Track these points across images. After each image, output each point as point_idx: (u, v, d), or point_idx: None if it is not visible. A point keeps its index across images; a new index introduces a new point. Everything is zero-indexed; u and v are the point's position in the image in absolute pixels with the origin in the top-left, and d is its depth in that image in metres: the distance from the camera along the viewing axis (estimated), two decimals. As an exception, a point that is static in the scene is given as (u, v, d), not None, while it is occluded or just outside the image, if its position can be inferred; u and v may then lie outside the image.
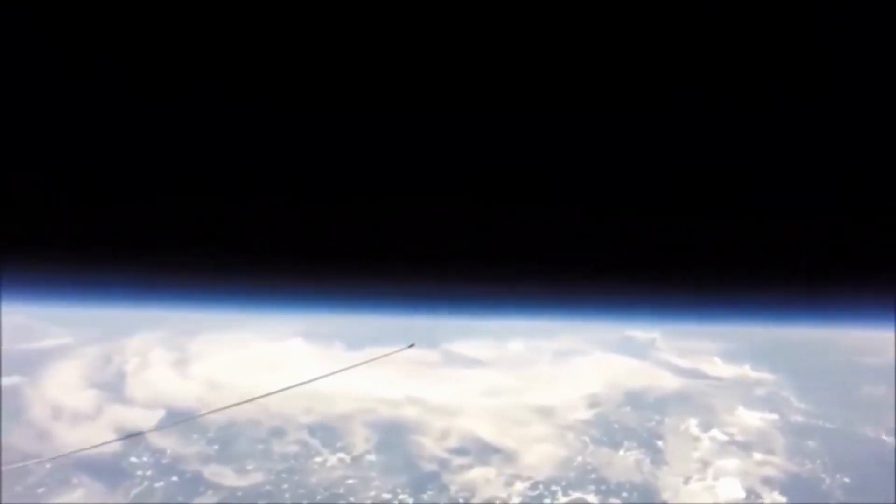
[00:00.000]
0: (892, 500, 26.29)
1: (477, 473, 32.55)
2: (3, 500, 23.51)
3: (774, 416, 34.63)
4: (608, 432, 34.41)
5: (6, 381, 27.83)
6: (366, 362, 7.98)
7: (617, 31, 2.02)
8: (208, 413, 30.07)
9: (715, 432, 34.36)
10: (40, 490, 28.56)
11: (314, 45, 2.11)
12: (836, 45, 2.03)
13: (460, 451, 33.22)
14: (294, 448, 32.38)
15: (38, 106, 2.41)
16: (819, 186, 2.67)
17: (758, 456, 32.67)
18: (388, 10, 1.98)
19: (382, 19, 2.00)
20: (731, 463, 32.67)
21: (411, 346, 7.01)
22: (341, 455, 32.43)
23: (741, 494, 30.61)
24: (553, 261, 3.42)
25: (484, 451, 33.34)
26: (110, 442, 27.25)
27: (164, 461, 30.76)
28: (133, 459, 30.69)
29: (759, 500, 29.68)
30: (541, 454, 33.48)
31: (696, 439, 34.12)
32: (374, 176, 2.80)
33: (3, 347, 31.35)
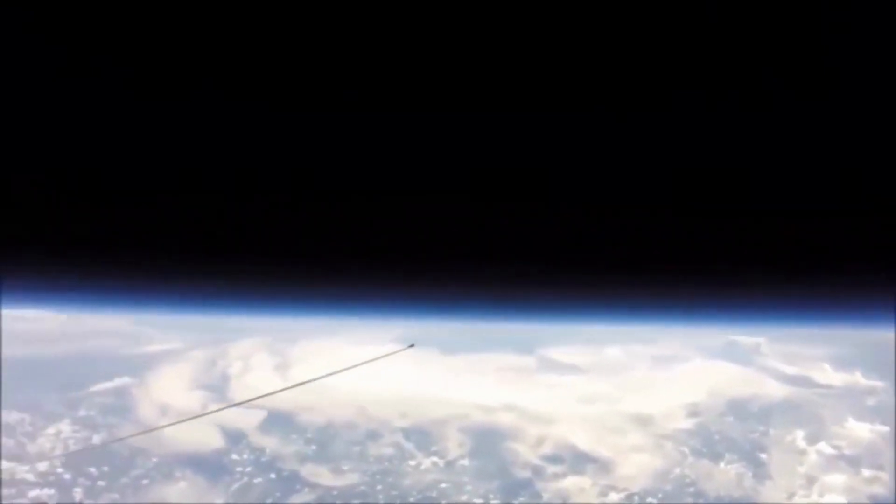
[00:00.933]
0: (893, 501, 26.26)
1: (571, 482, 32.15)
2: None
3: (886, 429, 32.51)
4: (708, 443, 33.22)
5: (117, 381, 28.58)
6: (366, 362, 8.14)
7: (616, 31, 1.99)
8: (207, 413, 31.19)
9: (822, 445, 32.74)
10: (145, 482, 29.94)
11: (314, 44, 2.08)
12: (835, 44, 1.99)
13: (554, 459, 32.82)
14: (389, 451, 32.67)
15: (45, 106, 2.42)
16: (819, 185, 2.65)
17: (867, 472, 31.26)
18: (387, 10, 1.95)
19: (382, 19, 1.98)
20: (839, 479, 31.30)
21: (411, 346, 7.22)
22: (435, 459, 32.53)
23: None
24: (581, 261, 3.40)
25: (579, 460, 32.80)
26: (117, 440, 27.69)
27: (264, 459, 31.53)
28: (234, 456, 31.62)
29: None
30: (637, 465, 32.82)
31: (802, 453, 32.64)
32: (404, 176, 2.78)
33: (114, 352, 32.50)
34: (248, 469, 31.32)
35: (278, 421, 33.09)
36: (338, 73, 2.19)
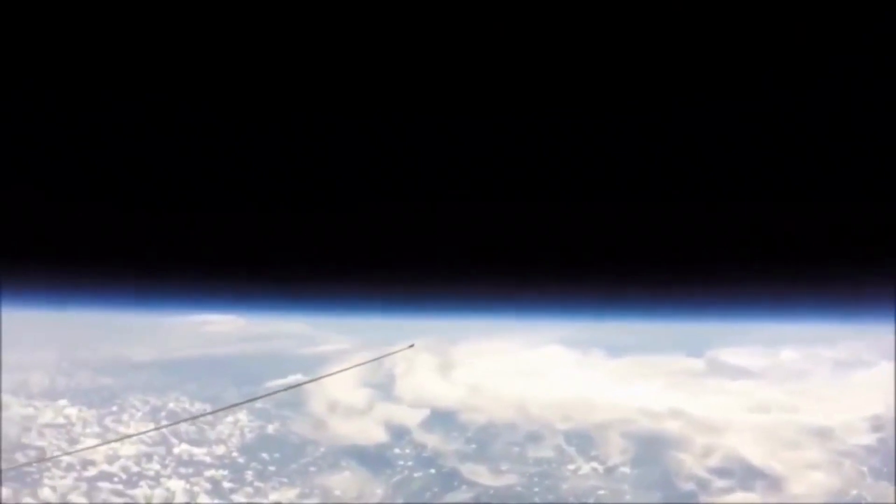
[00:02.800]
0: (893, 501, 25.46)
1: (738, 498, 30.58)
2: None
3: None
4: (890, 462, 30.39)
5: (290, 379, 29.53)
6: (366, 362, 9.43)
7: (615, 31, 2.01)
8: (206, 414, 31.75)
9: None
10: (312, 469, 31.23)
11: (317, 49, 2.10)
12: (834, 41, 2.00)
13: (722, 472, 31.19)
14: (548, 453, 32.22)
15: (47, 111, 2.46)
16: (818, 182, 2.66)
17: None
18: (387, 13, 1.98)
19: (382, 23, 2.01)
20: None
21: (411, 346, 7.16)
22: (595, 465, 31.78)
23: None
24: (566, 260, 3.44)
25: (748, 474, 31.08)
26: (93, 447, 28.65)
27: (425, 455, 32.06)
28: (396, 451, 32.36)
29: None
30: (811, 483, 30.66)
31: None
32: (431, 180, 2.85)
33: (289, 352, 34.57)
34: (409, 464, 31.91)
35: (441, 419, 33.44)
36: (340, 79, 2.22)
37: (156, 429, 31.75)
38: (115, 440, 31.82)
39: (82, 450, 30.18)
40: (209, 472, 29.98)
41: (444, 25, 2.03)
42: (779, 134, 2.44)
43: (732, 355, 35.90)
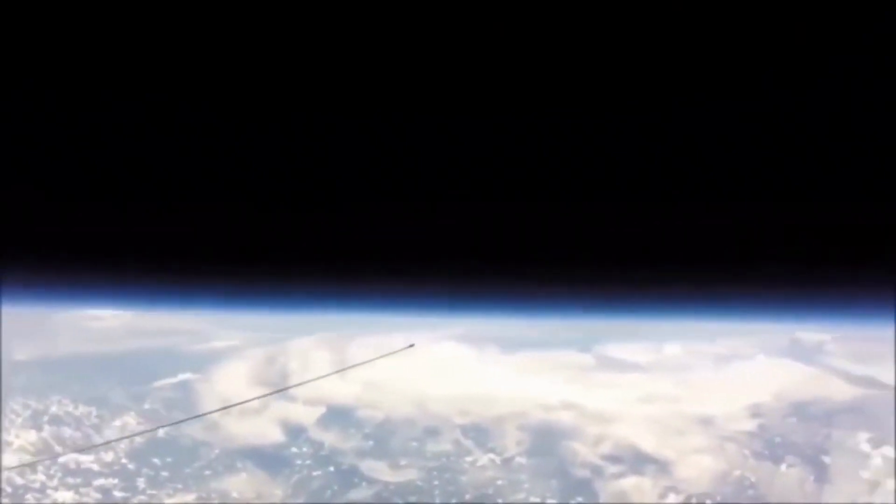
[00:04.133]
0: (893, 501, 25.87)
1: (630, 483, 32.39)
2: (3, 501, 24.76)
3: None
4: (770, 445, 33.32)
5: (180, 377, 29.18)
6: (366, 362, 9.20)
7: (615, 31, 2.01)
8: (179, 422, 31.91)
9: (887, 449, 32.40)
10: (207, 472, 30.83)
11: (316, 48, 2.12)
12: (833, 39, 1.99)
13: (614, 459, 32.99)
14: (447, 447, 33.01)
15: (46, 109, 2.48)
16: (818, 182, 2.69)
17: None
18: (387, 14, 1.99)
19: (382, 23, 2.02)
20: None
21: (411, 346, 7.10)
22: (492, 456, 32.79)
23: None
24: (563, 259, 3.50)
25: (638, 460, 33.01)
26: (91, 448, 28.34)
27: (323, 453, 32.20)
28: (294, 450, 32.35)
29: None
30: (697, 466, 32.81)
31: (867, 457, 32.50)
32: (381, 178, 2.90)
33: (177, 349, 33.46)
34: (308, 462, 31.99)
35: (337, 416, 33.69)
36: (338, 77, 2.22)
37: (157, 428, 30.81)
38: (114, 440, 30.66)
39: (79, 451, 29.04)
40: (98, 482, 29.30)
41: (443, 25, 2.02)
42: (779, 134, 2.43)
43: (620, 350, 37.79)
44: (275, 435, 32.41)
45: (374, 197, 3.02)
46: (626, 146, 2.56)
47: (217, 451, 30.96)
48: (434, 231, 3.29)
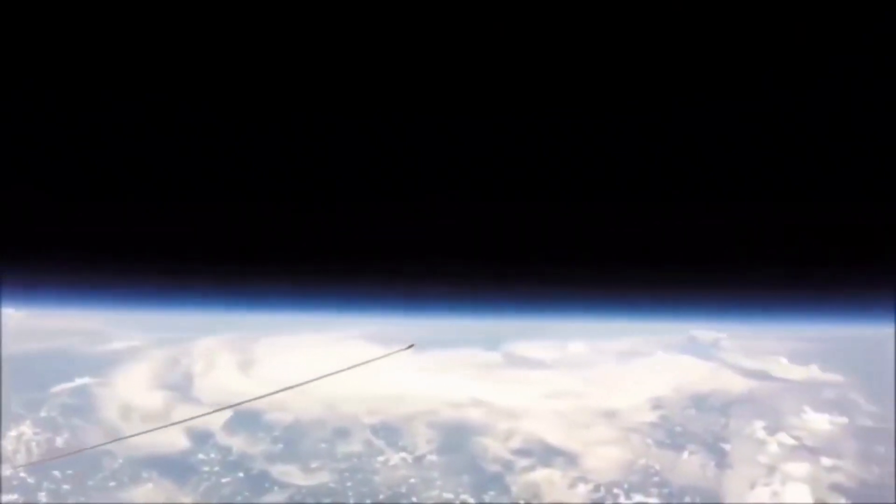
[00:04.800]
0: (893, 501, 26.69)
1: (540, 475, 33.15)
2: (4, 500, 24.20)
3: (844, 420, 34.38)
4: (672, 435, 34.67)
5: (78, 381, 28.62)
6: (366, 363, 8.17)
7: (615, 31, 2.02)
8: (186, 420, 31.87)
9: (782, 436, 34.31)
10: (111, 484, 30.08)
11: (316, 48, 2.12)
12: (833, 40, 2.00)
13: (524, 453, 33.81)
14: (358, 447, 33.36)
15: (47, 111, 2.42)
16: (818, 182, 2.67)
17: (826, 461, 32.75)
18: (388, 15, 1.99)
19: (383, 23, 2.02)
20: (799, 468, 32.71)
21: (411, 346, 7.20)
22: (404, 455, 33.38)
23: (809, 501, 30.85)
24: (554, 259, 3.43)
25: (547, 454, 33.89)
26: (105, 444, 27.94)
27: (231, 458, 31.98)
28: (201, 456, 32.00)
29: (827, 507, 28.18)
30: (604, 457, 33.97)
31: (763, 443, 34.18)
32: (392, 177, 2.83)
33: (73, 351, 33.03)
34: (216, 469, 31.70)
35: (245, 420, 33.46)
36: (338, 78, 2.19)
37: (158, 427, 29.26)
38: (115, 440, 29.03)
39: (77, 452, 27.40)
40: (6, 498, 28.14)
41: (443, 26, 2.00)
42: (779, 134, 2.37)
43: (526, 349, 39.04)
44: (180, 442, 31.92)
45: (371, 197, 2.89)
46: (627, 146, 2.46)
47: (121, 460, 30.25)
48: (431, 230, 3.18)
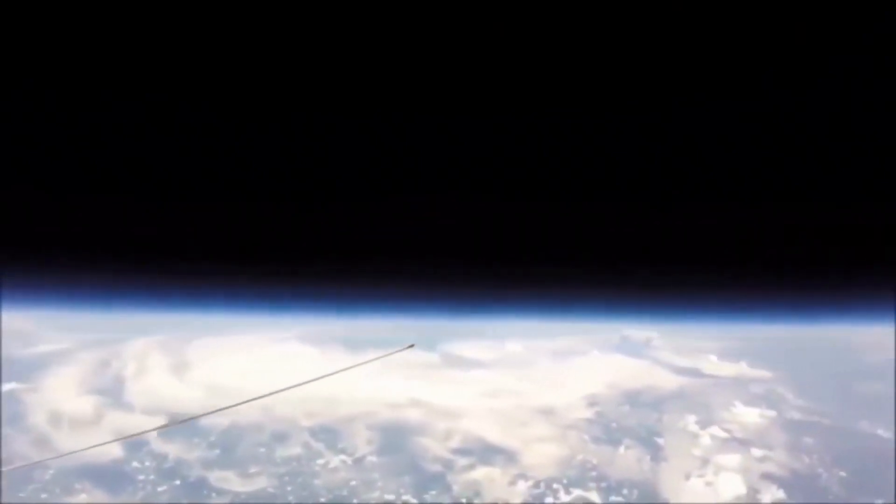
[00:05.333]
0: (893, 501, 27.13)
1: (480, 473, 33.50)
2: (3, 501, 23.76)
3: (772, 413, 35.82)
4: (608, 431, 35.55)
5: (5, 387, 28.09)
6: (366, 363, 8.01)
7: (615, 31, 2.06)
8: (203, 415, 31.29)
9: (714, 429, 35.51)
10: (43, 496, 29.19)
11: (316, 48, 2.15)
12: (834, 42, 2.04)
13: (463, 452, 34.15)
14: (297, 451, 33.22)
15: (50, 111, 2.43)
16: (818, 182, 2.68)
17: (757, 452, 33.96)
18: (388, 14, 2.02)
19: (383, 22, 2.05)
20: (731, 459, 33.84)
21: (411, 346, 7.11)
22: (343, 457, 33.33)
23: (741, 490, 31.82)
24: (547, 260, 3.35)
25: (487, 452, 34.32)
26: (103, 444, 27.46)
27: (167, 466, 31.46)
28: (135, 464, 31.37)
29: (759, 496, 30.90)
30: (542, 453, 34.59)
31: (696, 436, 35.25)
32: (369, 178, 2.80)
33: (4, 353, 31.59)
34: (151, 477, 31.12)
35: (179, 426, 33.57)
36: (340, 77, 2.16)
37: (160, 428, 27.75)
38: (116, 440, 27.97)
39: (79, 451, 25.91)
40: None
41: (444, 26, 2.01)
42: (779, 134, 2.36)
43: (463, 349, 39.92)
44: (113, 450, 31.20)
45: (367, 195, 2.84)
46: (626, 146, 2.42)
47: (52, 471, 29.41)
48: (428, 230, 3.09)
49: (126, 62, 2.23)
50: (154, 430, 29.72)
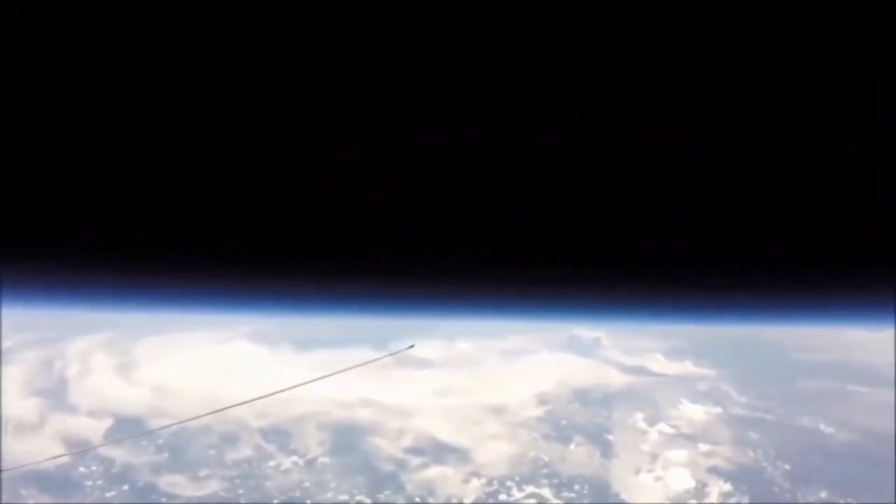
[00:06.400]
0: (893, 501, 27.26)
1: (434, 472, 33.90)
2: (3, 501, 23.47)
3: (718, 410, 37.03)
4: (558, 428, 36.20)
5: None
6: (363, 364, 7.83)
7: (615, 31, 2.08)
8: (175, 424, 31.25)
9: (662, 426, 36.61)
10: None
11: (312, 45, 2.18)
12: (833, 41, 2.06)
13: (416, 451, 34.52)
14: (248, 453, 32.99)
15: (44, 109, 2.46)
16: (818, 183, 2.69)
17: (704, 447, 34.92)
18: (387, 11, 2.06)
19: (381, 18, 2.08)
20: (679, 454, 34.83)
21: (411, 346, 6.82)
22: (295, 459, 33.23)
23: (690, 483, 32.76)
24: (501, 259, 3.38)
25: (439, 451, 34.73)
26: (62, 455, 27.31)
27: (114, 470, 30.92)
28: (82, 469, 30.83)
29: (707, 489, 31.86)
30: (495, 451, 35.08)
31: (644, 433, 36.32)
32: (353, 178, 2.81)
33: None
34: (99, 483, 30.59)
35: (126, 428, 32.66)
36: (333, 73, 2.18)
37: (167, 426, 27.08)
38: (124, 438, 27.01)
39: (85, 451, 24.59)
40: None
41: (443, 22, 2.02)
42: (779, 134, 2.38)
43: (414, 348, 40.23)
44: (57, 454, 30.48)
45: (364, 194, 2.84)
46: (626, 146, 2.45)
47: (-4, 477, 28.61)
48: (381, 228, 3.10)
49: (127, 61, 2.25)
50: (143, 434, 29.17)
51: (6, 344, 32.60)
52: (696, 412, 37.67)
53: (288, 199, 2.94)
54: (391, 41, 2.12)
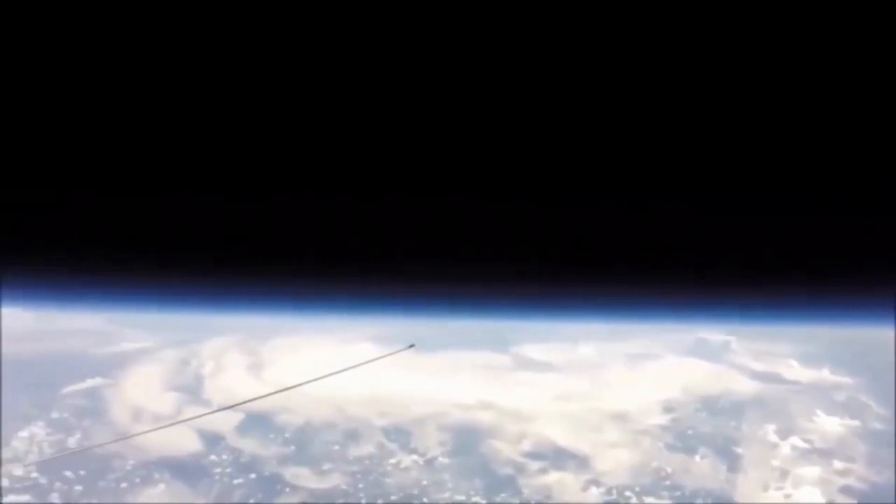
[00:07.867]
0: (893, 501, 26.26)
1: (552, 478, 33.36)
2: (4, 501, 24.34)
3: (855, 423, 34.68)
4: (683, 438, 34.86)
5: (89, 383, 28.68)
6: (367, 363, 8.32)
7: (613, 31, 2.04)
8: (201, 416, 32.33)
9: (794, 439, 34.57)
10: (123, 485, 30.19)
11: (315, 44, 2.13)
12: (833, 41, 2.03)
13: (535, 456, 33.99)
14: (369, 450, 33.50)
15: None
16: (818, 183, 2.68)
17: (838, 464, 33.02)
18: (388, 16, 2.02)
19: (380, 26, 2.04)
20: (811, 471, 32.97)
21: (411, 346, 7.18)
22: (415, 457, 33.54)
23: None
24: (618, 261, 3.44)
25: (559, 456, 34.08)
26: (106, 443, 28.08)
27: (243, 460, 32.07)
28: (213, 458, 32.09)
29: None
30: (615, 459, 34.21)
31: (775, 446, 34.38)
32: (387, 175, 2.78)
33: (85, 352, 33.20)
34: (228, 471, 31.77)
35: (256, 422, 33.61)
36: (342, 75, 2.20)
37: (170, 424, 29.28)
38: (129, 437, 29.58)
39: (86, 449, 27.44)
40: (8, 498, 28.11)
41: (444, 28, 2.01)
42: (779, 134, 2.37)
43: (535, 351, 39.29)
44: (191, 444, 32.04)
45: (375, 195, 2.90)
46: (626, 146, 2.48)
47: (132, 462, 30.30)
48: (424, 229, 3.17)
49: (126, 60, 2.18)
50: (155, 429, 29.75)
51: (144, 344, 33.90)
52: (831, 424, 35.19)
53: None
54: (398, 41, 2.05)
